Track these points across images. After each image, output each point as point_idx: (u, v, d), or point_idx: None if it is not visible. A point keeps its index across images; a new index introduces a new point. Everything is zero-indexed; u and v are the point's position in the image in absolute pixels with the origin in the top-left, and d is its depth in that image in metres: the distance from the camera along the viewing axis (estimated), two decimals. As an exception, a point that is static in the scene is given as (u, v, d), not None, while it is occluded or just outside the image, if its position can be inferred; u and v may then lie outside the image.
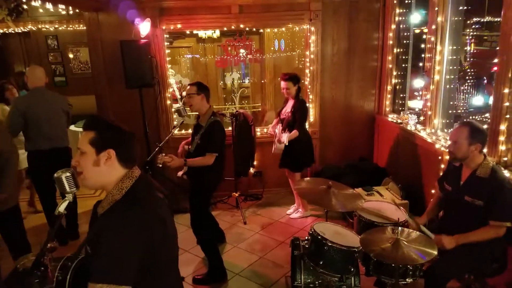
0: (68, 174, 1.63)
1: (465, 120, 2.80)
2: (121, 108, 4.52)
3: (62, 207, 1.66)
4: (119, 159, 1.51)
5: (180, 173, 3.46)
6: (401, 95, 4.66)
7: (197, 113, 3.43)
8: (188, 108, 3.47)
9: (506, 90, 2.75)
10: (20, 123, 3.54)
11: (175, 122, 4.76)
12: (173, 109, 4.68)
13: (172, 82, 6.42)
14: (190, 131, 5.11)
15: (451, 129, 3.68)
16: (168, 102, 4.66)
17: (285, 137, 3.98)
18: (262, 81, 6.62)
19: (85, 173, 1.52)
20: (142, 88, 4.29)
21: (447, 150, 2.55)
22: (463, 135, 2.38)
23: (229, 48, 4.83)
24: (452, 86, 3.71)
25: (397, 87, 4.67)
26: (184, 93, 7.17)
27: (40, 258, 1.66)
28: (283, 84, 4.15)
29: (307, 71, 4.83)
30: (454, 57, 3.64)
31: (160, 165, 3.24)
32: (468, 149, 2.39)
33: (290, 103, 4.23)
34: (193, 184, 3.45)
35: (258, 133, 4.82)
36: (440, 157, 3.43)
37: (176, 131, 4.90)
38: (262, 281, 3.30)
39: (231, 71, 6.89)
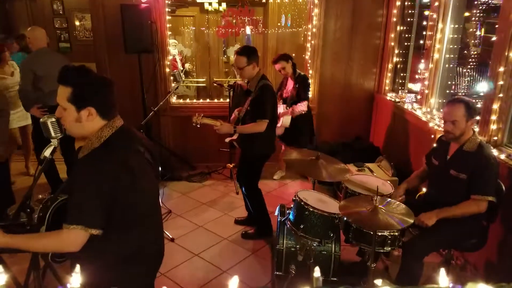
0: (53, 119, 1.67)
1: (454, 97, 2.76)
2: (120, 75, 4.49)
3: (47, 152, 1.71)
4: (99, 114, 1.52)
5: (228, 139, 3.40)
6: (402, 74, 4.62)
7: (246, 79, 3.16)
8: (183, 74, 3.42)
9: (501, 69, 2.73)
10: (31, 83, 3.61)
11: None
12: (171, 77, 4.68)
13: (175, 52, 6.37)
14: (188, 100, 5.13)
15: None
16: (167, 70, 4.66)
17: (297, 108, 4.08)
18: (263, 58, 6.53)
19: (67, 127, 1.56)
20: (141, 55, 4.28)
21: (444, 131, 2.47)
22: (460, 113, 2.34)
23: (234, 21, 4.77)
24: (451, 65, 3.68)
25: (398, 66, 4.62)
26: (186, 66, 7.14)
27: (26, 200, 1.71)
28: (277, 66, 4.14)
29: (308, 45, 4.79)
30: (455, 35, 3.60)
31: (198, 125, 3.16)
32: (465, 126, 2.36)
33: (290, 82, 4.23)
34: (243, 153, 3.32)
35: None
36: (433, 136, 3.43)
37: (174, 100, 4.94)
38: (249, 246, 3.38)
39: (234, 44, 6.82)
